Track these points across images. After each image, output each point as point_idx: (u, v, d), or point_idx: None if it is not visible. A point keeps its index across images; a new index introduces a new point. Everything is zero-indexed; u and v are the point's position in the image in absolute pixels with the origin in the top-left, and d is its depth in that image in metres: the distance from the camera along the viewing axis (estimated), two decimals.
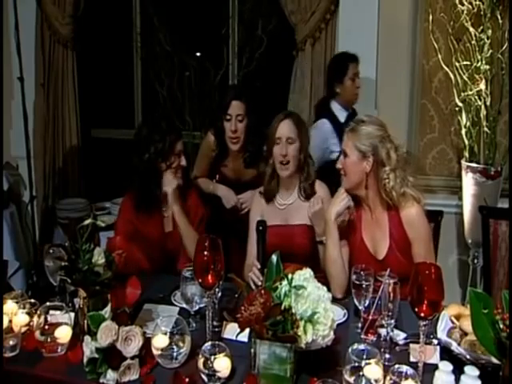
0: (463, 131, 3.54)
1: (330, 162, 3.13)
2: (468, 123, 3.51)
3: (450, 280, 3.77)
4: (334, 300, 2.07)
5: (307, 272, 1.74)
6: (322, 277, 2.44)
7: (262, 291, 1.67)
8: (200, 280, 1.91)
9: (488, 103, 3.44)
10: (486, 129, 3.45)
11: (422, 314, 1.71)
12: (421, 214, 2.41)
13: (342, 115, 3.47)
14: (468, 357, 1.80)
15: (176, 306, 2.24)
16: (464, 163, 3.51)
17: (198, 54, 4.17)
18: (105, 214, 4.11)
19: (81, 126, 4.32)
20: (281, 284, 1.71)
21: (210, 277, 1.90)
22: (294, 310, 1.65)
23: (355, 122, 2.44)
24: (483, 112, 3.44)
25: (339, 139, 3.12)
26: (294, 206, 2.69)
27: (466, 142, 3.53)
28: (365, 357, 1.68)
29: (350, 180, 2.44)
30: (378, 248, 2.45)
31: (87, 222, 1.84)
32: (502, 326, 1.59)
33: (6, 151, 4.02)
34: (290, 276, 1.71)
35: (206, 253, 1.90)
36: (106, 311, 1.82)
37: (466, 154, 3.54)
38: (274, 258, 1.84)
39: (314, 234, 2.65)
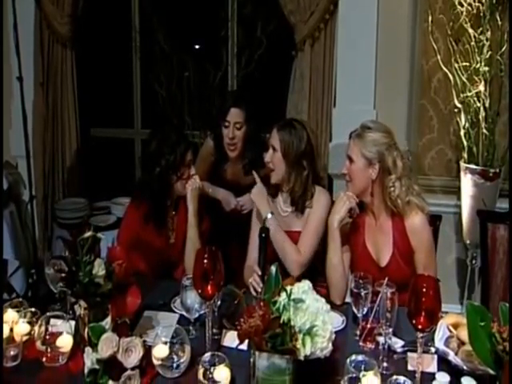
0: (462, 132, 3.53)
1: None
2: (467, 124, 3.50)
3: (448, 279, 3.79)
4: (333, 306, 2.09)
5: (306, 284, 1.76)
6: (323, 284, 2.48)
7: (261, 304, 1.69)
8: (199, 290, 1.93)
9: (487, 105, 3.42)
10: (484, 130, 3.44)
11: (420, 326, 1.73)
12: (425, 223, 2.43)
13: None
14: (465, 367, 1.82)
15: (176, 312, 2.26)
16: (463, 164, 3.51)
17: (197, 54, 4.16)
18: (104, 213, 4.13)
19: (80, 125, 4.30)
20: (280, 297, 1.72)
21: (209, 287, 1.92)
22: (292, 323, 1.66)
23: (361, 127, 2.44)
24: (482, 113, 3.43)
25: None
26: (295, 214, 2.70)
27: (465, 143, 3.52)
28: (363, 368, 1.70)
29: (355, 186, 2.44)
30: (380, 255, 2.47)
31: (87, 234, 1.86)
32: (498, 339, 1.61)
33: (5, 150, 4.00)
34: (288, 289, 1.72)
35: (205, 263, 1.92)
36: (107, 322, 1.83)
37: (465, 155, 3.53)
38: (273, 269, 1.85)
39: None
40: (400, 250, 2.42)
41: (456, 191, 3.71)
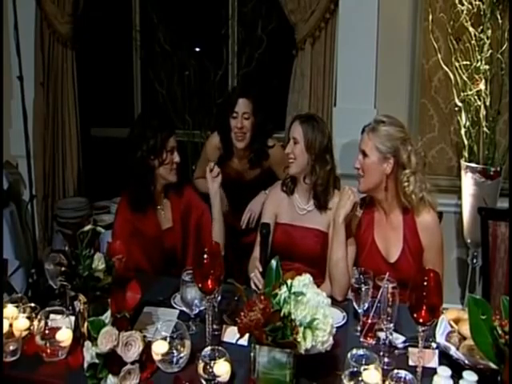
0: (462, 131, 3.53)
1: None
2: (467, 123, 3.49)
3: (449, 279, 3.78)
4: (334, 302, 2.08)
5: (306, 278, 1.75)
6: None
7: (262, 297, 1.68)
8: (200, 285, 1.92)
9: (487, 103, 3.42)
10: (485, 129, 3.44)
11: (421, 320, 1.71)
12: (436, 221, 2.43)
13: None
14: (466, 362, 1.81)
15: (176, 308, 2.25)
16: (463, 163, 3.51)
17: (198, 53, 4.16)
18: (105, 212, 4.12)
19: (80, 124, 4.29)
20: (280, 290, 1.71)
21: (209, 282, 1.90)
22: (293, 317, 1.66)
23: (375, 121, 2.41)
24: (483, 112, 3.43)
25: None
26: (312, 213, 2.67)
27: (466, 141, 3.52)
28: (364, 362, 1.69)
29: (368, 181, 2.41)
30: (390, 251, 2.45)
31: (87, 228, 1.85)
32: (500, 332, 1.60)
33: (5, 150, 4.00)
34: (289, 282, 1.72)
35: (205, 258, 1.91)
36: (107, 316, 1.82)
37: (466, 153, 3.53)
38: (274, 263, 1.84)
39: (325, 240, 2.63)
40: (410, 247, 2.41)
41: (457, 190, 3.70)
